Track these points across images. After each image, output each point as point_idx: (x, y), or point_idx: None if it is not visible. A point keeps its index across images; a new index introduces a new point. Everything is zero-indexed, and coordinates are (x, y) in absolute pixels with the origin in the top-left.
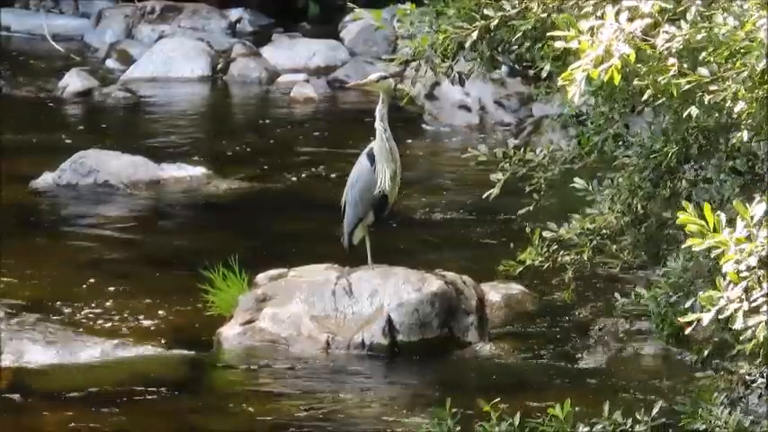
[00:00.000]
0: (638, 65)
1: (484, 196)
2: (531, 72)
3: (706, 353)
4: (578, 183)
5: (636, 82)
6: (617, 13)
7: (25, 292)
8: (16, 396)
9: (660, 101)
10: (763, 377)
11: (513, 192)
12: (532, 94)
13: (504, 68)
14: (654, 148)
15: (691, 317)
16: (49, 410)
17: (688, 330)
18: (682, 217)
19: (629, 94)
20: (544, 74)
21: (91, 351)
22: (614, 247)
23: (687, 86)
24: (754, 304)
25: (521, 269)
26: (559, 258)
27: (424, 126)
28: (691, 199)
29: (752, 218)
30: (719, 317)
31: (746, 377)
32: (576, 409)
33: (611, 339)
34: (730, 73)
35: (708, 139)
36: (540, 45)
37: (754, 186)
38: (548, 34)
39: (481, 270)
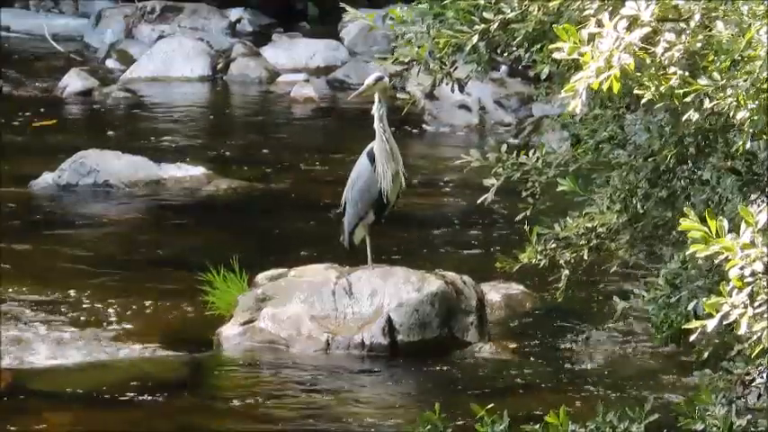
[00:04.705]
0: (639, 73)
1: (479, 201)
2: (531, 72)
3: (706, 355)
4: (563, 184)
5: (637, 91)
6: (616, 22)
7: (25, 292)
8: (16, 396)
9: (659, 105)
10: (761, 377)
11: (512, 192)
12: (532, 94)
13: (503, 68)
14: (652, 148)
15: (695, 323)
16: (49, 410)
17: (693, 337)
18: (684, 224)
19: (624, 96)
20: (543, 75)
21: (91, 351)
22: (612, 245)
23: (689, 96)
24: (758, 310)
25: (518, 267)
26: (557, 257)
27: (424, 126)
28: (689, 198)
29: (756, 223)
30: (724, 323)
31: (745, 377)
32: (576, 409)
33: (610, 339)
34: (734, 82)
35: (706, 140)
36: (540, 46)
37: (753, 186)
38: (550, 47)
39: (481, 270)
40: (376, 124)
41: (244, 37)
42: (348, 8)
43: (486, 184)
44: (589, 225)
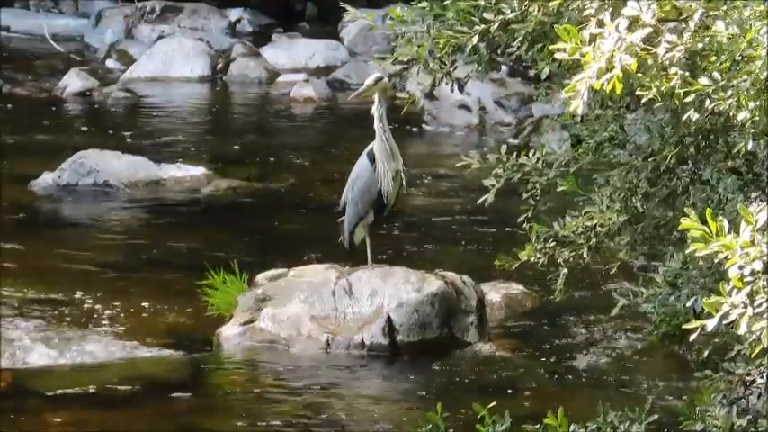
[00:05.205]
0: (640, 74)
1: (479, 202)
2: (531, 72)
3: (706, 354)
4: (564, 184)
5: (638, 92)
6: (617, 24)
7: (25, 292)
8: (16, 396)
9: (659, 105)
10: (762, 377)
11: (513, 192)
12: (532, 94)
13: (504, 68)
14: (652, 148)
15: (694, 323)
16: (49, 410)
17: (693, 336)
18: (684, 223)
19: (624, 96)
20: (544, 75)
21: (91, 351)
22: (611, 244)
23: (690, 97)
24: (758, 309)
25: (517, 265)
26: (557, 256)
27: (423, 126)
28: (689, 198)
29: (756, 222)
30: (723, 322)
31: (746, 377)
32: (576, 409)
33: (610, 339)
34: (734, 81)
35: (707, 141)
36: (540, 47)
37: (753, 186)
38: (550, 47)
39: (481, 270)
40: (376, 124)
41: (243, 37)
42: (348, 8)
43: (485, 184)
44: (588, 224)
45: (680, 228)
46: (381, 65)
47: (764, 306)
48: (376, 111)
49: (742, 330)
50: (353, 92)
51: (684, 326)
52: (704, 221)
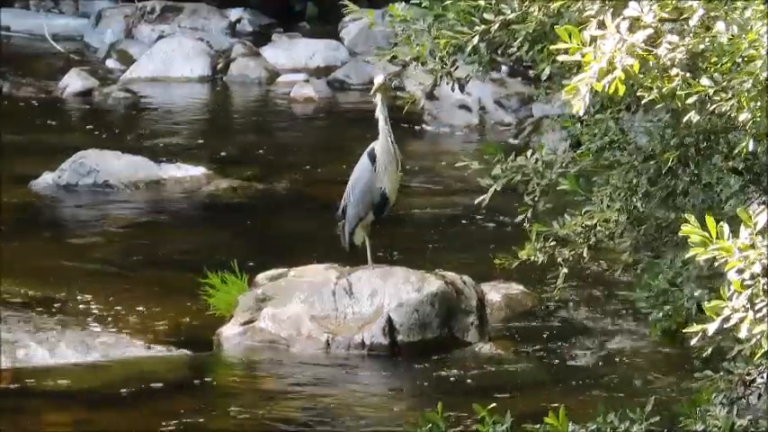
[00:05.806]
0: (641, 75)
1: (476, 202)
2: (532, 72)
3: (709, 350)
4: (565, 184)
5: (640, 93)
6: (618, 24)
7: (25, 292)
8: (16, 396)
9: (660, 106)
10: (762, 377)
11: (513, 191)
12: (532, 95)
13: (504, 68)
14: (653, 150)
15: (696, 327)
16: (49, 410)
17: (694, 341)
18: (685, 228)
19: (624, 97)
20: (544, 76)
21: (91, 351)
22: (611, 243)
23: (691, 98)
24: (758, 314)
25: (516, 264)
26: (556, 255)
27: (424, 126)
28: (689, 199)
29: (755, 225)
30: (724, 326)
31: (746, 377)
32: (577, 409)
33: (610, 339)
34: (734, 82)
35: (707, 141)
36: (540, 47)
37: (753, 185)
38: (551, 47)
39: (481, 270)
40: (381, 125)
41: (244, 37)
42: (349, 4)
43: (482, 184)
44: (588, 223)
45: (681, 233)
46: (381, 59)
47: (765, 310)
48: (380, 112)
49: (743, 334)
50: (354, 92)
51: (686, 329)
52: (704, 223)
